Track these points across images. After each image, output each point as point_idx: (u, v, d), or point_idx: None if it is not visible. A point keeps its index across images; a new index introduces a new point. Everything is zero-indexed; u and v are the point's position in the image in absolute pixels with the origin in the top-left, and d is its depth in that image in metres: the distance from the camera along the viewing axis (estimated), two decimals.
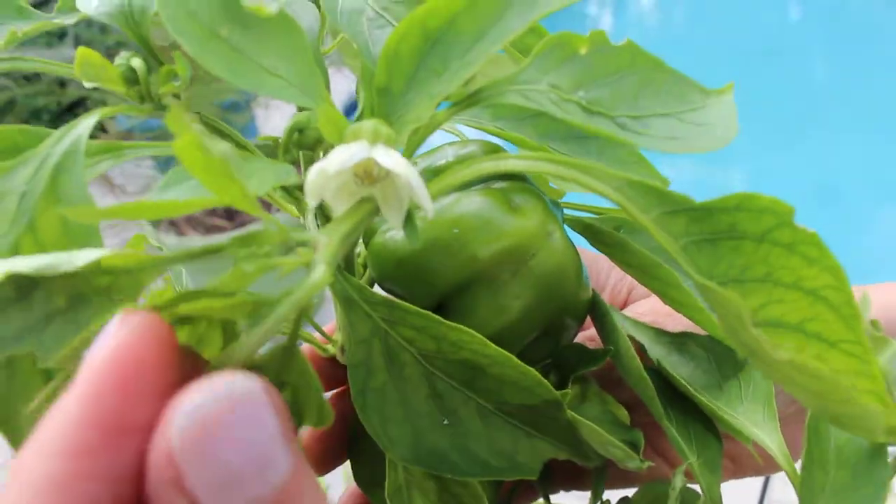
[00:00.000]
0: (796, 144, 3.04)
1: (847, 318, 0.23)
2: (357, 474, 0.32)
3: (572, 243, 0.26)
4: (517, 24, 0.22)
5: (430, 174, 0.27)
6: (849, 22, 4.14)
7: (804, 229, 0.21)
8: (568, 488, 0.38)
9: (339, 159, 0.17)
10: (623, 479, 0.35)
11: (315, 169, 0.18)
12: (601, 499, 0.35)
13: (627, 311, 0.32)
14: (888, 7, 4.14)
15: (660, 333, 0.29)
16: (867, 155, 2.89)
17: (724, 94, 0.25)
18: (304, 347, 0.31)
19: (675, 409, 0.27)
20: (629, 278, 0.36)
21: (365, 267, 0.29)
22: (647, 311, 0.31)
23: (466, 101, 0.22)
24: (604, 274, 0.35)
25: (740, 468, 0.34)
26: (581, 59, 0.23)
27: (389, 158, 0.18)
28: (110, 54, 0.26)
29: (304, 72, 0.22)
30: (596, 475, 0.34)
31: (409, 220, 0.19)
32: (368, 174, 0.18)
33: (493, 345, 0.23)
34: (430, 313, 0.23)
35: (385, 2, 0.25)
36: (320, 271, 0.16)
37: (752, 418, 0.25)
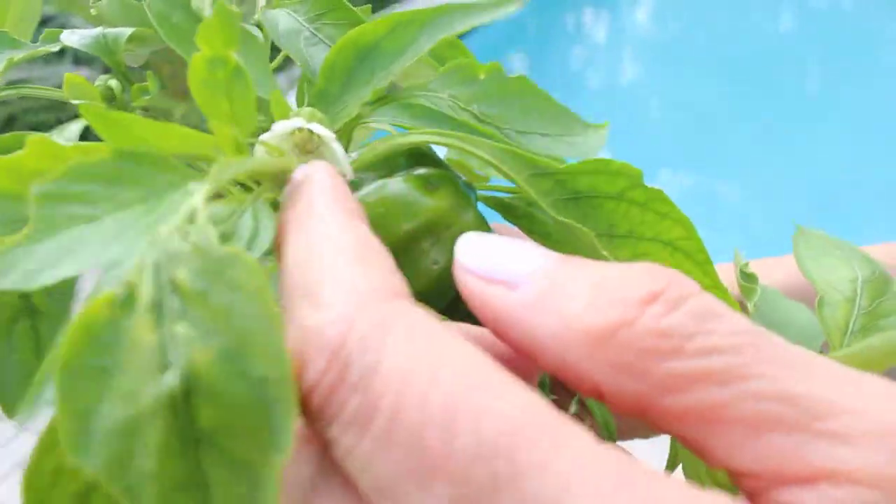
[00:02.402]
0: (791, 152, 3.07)
1: (701, 264, 0.28)
2: None
3: (483, 219, 0.32)
4: (427, 44, 0.28)
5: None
6: (841, 30, 4.18)
7: (653, 188, 0.26)
8: None
9: (283, 125, 0.23)
10: None
11: (264, 136, 0.23)
12: None
13: None
14: (880, 15, 4.18)
15: None
16: (862, 161, 2.92)
17: (601, 129, 0.30)
18: None
19: None
20: None
21: None
22: None
23: (385, 100, 0.28)
24: None
25: None
26: (479, 82, 0.28)
27: (321, 129, 0.23)
28: (108, 68, 0.31)
29: (262, 70, 0.28)
30: None
31: None
32: (304, 146, 0.23)
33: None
34: None
35: (318, 23, 0.30)
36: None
37: None
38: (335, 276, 0.16)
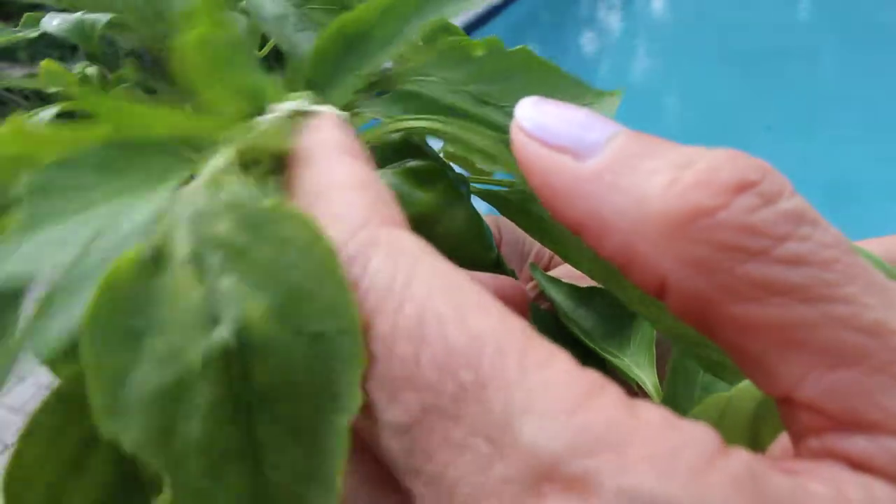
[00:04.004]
0: (808, 143, 3.04)
1: None
2: None
3: (476, 212, 0.30)
4: (413, 32, 0.26)
5: None
6: (858, 20, 4.13)
7: None
8: None
9: (287, 105, 0.22)
10: None
11: (262, 118, 0.22)
12: None
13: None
14: None
15: (571, 289, 0.33)
16: (879, 152, 2.89)
17: (614, 96, 0.28)
18: None
19: (576, 353, 0.30)
20: None
21: None
22: (563, 273, 0.35)
23: (376, 87, 0.27)
24: (528, 243, 0.39)
25: None
26: (476, 60, 0.27)
27: (327, 108, 0.22)
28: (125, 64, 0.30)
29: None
30: None
31: None
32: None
33: None
34: None
35: (305, 8, 0.29)
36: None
37: (637, 361, 0.29)
38: (332, 208, 0.16)
